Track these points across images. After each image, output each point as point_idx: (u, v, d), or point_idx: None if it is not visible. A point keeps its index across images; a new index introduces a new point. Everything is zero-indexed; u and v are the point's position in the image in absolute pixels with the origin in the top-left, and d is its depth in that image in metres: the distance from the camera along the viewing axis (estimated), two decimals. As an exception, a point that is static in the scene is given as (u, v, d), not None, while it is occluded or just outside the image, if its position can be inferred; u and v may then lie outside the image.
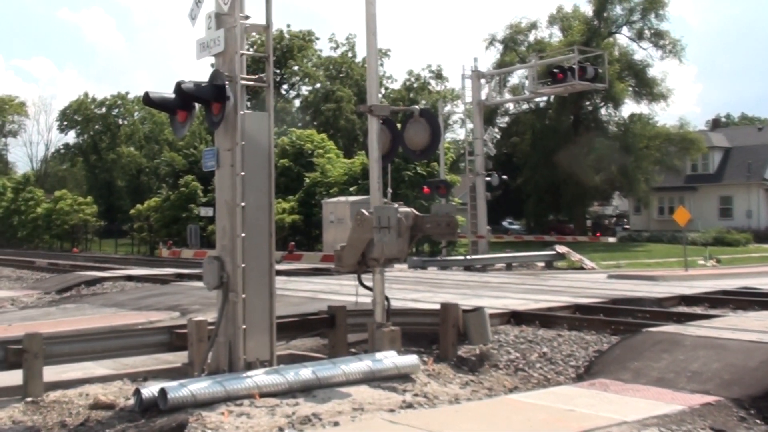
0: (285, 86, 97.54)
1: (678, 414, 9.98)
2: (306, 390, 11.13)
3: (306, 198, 57.29)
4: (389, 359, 12.41)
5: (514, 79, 75.39)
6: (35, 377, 11.52)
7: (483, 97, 43.29)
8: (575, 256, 39.81)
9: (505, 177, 41.68)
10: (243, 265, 11.47)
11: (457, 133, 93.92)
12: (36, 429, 10.32)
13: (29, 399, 11.31)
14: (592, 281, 28.51)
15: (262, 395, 10.70)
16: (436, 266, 36.93)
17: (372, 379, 11.90)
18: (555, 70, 39.19)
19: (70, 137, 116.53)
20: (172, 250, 57.37)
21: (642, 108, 74.30)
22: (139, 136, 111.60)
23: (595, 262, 39.83)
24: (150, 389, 10.47)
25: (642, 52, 73.92)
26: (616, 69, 66.16)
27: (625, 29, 75.68)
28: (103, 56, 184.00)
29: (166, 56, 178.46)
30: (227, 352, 11.59)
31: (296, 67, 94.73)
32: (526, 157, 75.92)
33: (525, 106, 77.98)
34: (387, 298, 13.96)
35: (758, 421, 10.16)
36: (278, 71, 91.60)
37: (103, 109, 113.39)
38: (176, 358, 13.53)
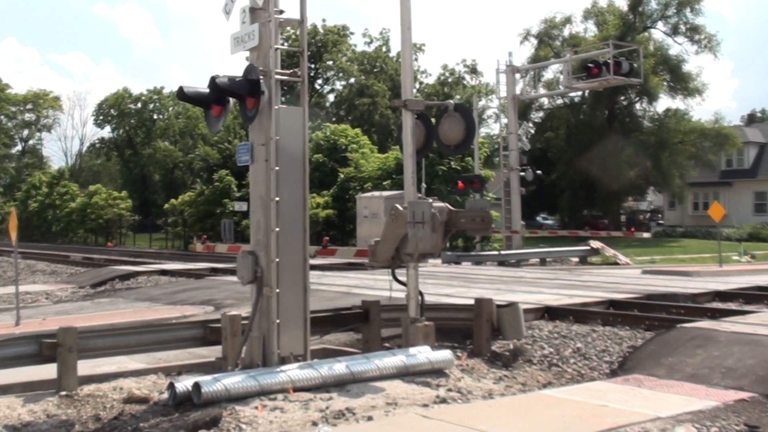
0: (319, 81, 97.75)
1: (712, 410, 9.93)
2: (340, 384, 11.16)
3: (340, 193, 57.35)
4: (423, 354, 12.42)
5: (548, 74, 75.12)
6: (69, 371, 11.60)
7: (517, 91, 43.16)
8: (609, 252, 39.61)
9: (539, 172, 41.58)
10: (277, 260, 11.51)
11: (491, 128, 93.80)
12: (70, 422, 10.39)
13: (63, 393, 11.40)
14: (626, 276, 28.35)
15: (296, 390, 10.73)
16: (470, 261, 36.88)
17: (405, 374, 11.92)
18: (590, 65, 39.06)
19: (105, 132, 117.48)
20: (206, 244, 57.58)
21: (677, 103, 73.80)
22: (173, 131, 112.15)
23: (629, 258, 39.61)
24: (184, 383, 10.53)
25: (677, 46, 73.43)
26: (651, 64, 65.67)
27: (660, 24, 75.15)
28: (139, 51, 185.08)
29: (202, 51, 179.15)
30: (261, 346, 11.63)
31: (330, 62, 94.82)
32: (560, 152, 75.53)
33: (559, 101, 77.59)
34: (421, 293, 13.97)
35: (793, 418, 10.09)
36: (313, 66, 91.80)
37: (139, 104, 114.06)
38: (210, 353, 13.58)
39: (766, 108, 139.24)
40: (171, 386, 10.62)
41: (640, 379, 11.74)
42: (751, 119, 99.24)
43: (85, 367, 12.19)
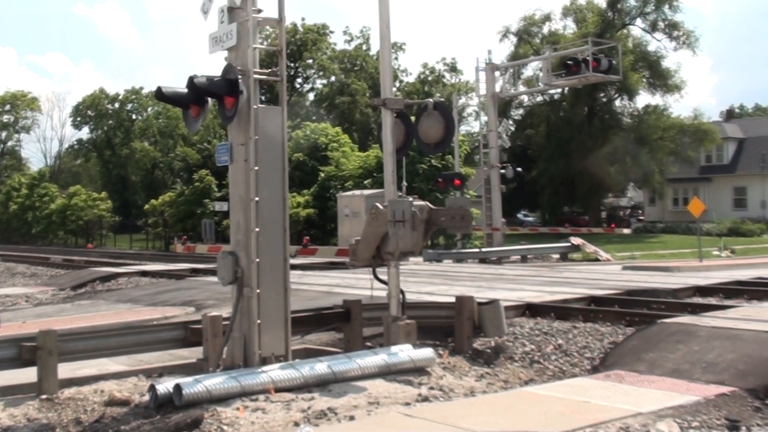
0: (299, 80, 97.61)
1: (693, 405, 9.96)
2: (321, 384, 11.14)
3: (321, 192, 57.27)
4: (405, 353, 12.42)
5: (528, 72, 75.46)
6: (50, 374, 11.52)
7: (497, 89, 43.14)
8: (590, 248, 39.70)
9: (519, 169, 41.59)
10: (257, 260, 11.49)
11: (471, 125, 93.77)
12: (51, 426, 10.33)
13: (44, 396, 11.31)
14: (606, 273, 28.43)
15: (278, 390, 10.71)
16: (452, 259, 36.89)
17: (387, 372, 11.92)
18: (569, 62, 39.08)
19: (84, 133, 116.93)
20: (186, 245, 57.46)
21: (656, 99, 74.18)
22: (153, 131, 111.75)
23: (609, 254, 39.69)
24: (165, 385, 10.49)
25: (656, 43, 73.84)
26: (630, 60, 65.94)
27: (638, 20, 75.47)
28: (118, 51, 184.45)
29: (182, 51, 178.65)
30: (242, 347, 11.61)
31: (310, 60, 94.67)
32: (540, 149, 75.77)
33: (539, 99, 77.84)
34: (402, 292, 13.98)
35: (773, 412, 10.13)
36: (292, 65, 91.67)
37: (117, 105, 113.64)
38: (191, 354, 13.53)
39: (745, 104, 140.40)
40: (152, 388, 10.57)
41: (622, 375, 11.76)
42: (730, 115, 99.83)
43: (66, 370, 12.12)
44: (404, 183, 14.66)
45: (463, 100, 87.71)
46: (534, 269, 31.97)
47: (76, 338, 12.65)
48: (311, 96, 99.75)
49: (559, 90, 70.22)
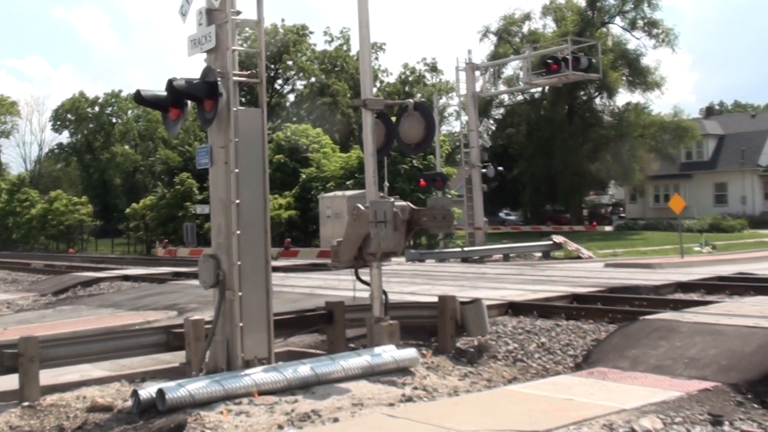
0: (279, 81, 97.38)
1: (676, 400, 9.98)
2: (305, 387, 11.12)
3: (302, 193, 57.18)
4: (388, 353, 12.41)
5: (508, 71, 75.56)
6: (31, 381, 11.45)
7: (477, 89, 43.21)
8: (572, 246, 39.80)
9: (501, 168, 41.70)
10: (239, 263, 11.46)
11: (452, 125, 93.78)
12: (33, 433, 10.29)
13: (26, 403, 11.24)
14: (589, 270, 28.51)
15: (261, 393, 10.68)
16: (434, 259, 36.92)
17: (371, 373, 11.91)
18: (549, 61, 39.21)
19: (64, 137, 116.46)
20: (168, 248, 57.23)
21: (636, 97, 74.55)
22: (133, 134, 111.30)
23: (591, 251, 39.82)
24: (148, 390, 10.45)
25: (635, 41, 74.20)
26: (610, 59, 66.19)
27: (618, 19, 75.80)
28: (98, 55, 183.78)
29: (162, 53, 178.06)
30: (225, 350, 11.58)
31: (291, 62, 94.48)
32: (521, 148, 75.91)
33: (520, 98, 78.02)
34: (385, 293, 13.97)
35: (755, 406, 10.16)
36: (273, 66, 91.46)
37: (97, 108, 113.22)
38: (174, 358, 13.50)
39: (725, 100, 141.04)
40: (135, 393, 10.52)
41: (605, 372, 11.78)
42: (710, 112, 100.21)
43: (48, 376, 12.06)
44: (386, 183, 14.60)
45: (443, 100, 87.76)
46: (516, 268, 32.02)
47: (58, 344, 12.58)
48: (292, 97, 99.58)
49: (539, 89, 70.38)
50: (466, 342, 15.25)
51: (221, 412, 9.93)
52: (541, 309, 17.58)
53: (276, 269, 22.90)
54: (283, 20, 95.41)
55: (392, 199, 13.39)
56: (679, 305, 17.09)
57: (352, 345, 14.73)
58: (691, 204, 57.36)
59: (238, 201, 11.46)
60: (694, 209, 62.80)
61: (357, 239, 13.62)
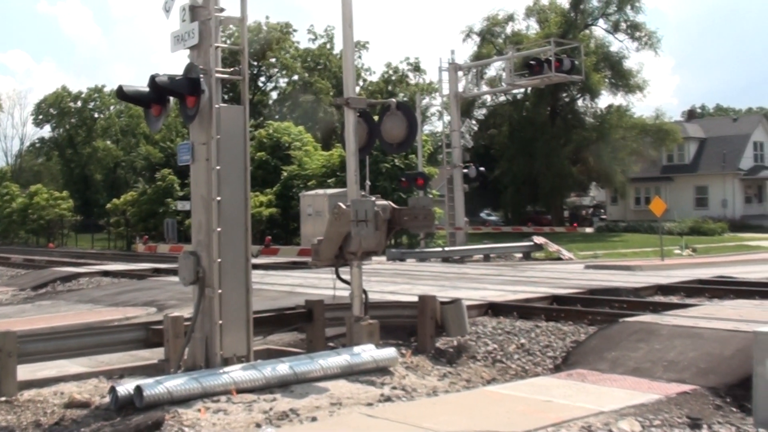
0: (262, 78, 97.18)
1: (655, 403, 10.00)
2: (283, 385, 11.10)
3: (283, 191, 57.07)
4: (367, 353, 12.40)
5: (491, 72, 75.51)
6: (9, 376, 11.40)
7: (460, 89, 43.29)
8: (553, 247, 39.88)
9: (482, 169, 41.80)
10: (219, 260, 11.44)
11: (434, 125, 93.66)
12: (10, 429, 10.21)
13: (3, 399, 11.19)
14: (569, 272, 28.56)
15: (239, 391, 10.66)
16: (415, 258, 36.94)
17: (350, 373, 11.89)
18: (532, 63, 39.27)
19: (46, 131, 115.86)
20: (148, 245, 57.05)
21: (618, 99, 74.62)
22: (115, 130, 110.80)
23: (572, 253, 39.90)
24: (126, 387, 10.41)
25: (618, 43, 74.30)
26: (593, 61, 66.38)
27: (601, 21, 75.95)
28: (81, 49, 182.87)
29: (145, 49, 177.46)
30: (204, 348, 11.55)
31: (274, 59, 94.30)
32: (503, 148, 75.95)
33: (502, 98, 77.99)
34: (365, 292, 13.96)
35: (734, 409, 10.21)
36: (256, 63, 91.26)
37: (79, 103, 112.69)
38: (153, 355, 13.43)
39: (707, 104, 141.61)
40: (113, 390, 10.48)
41: (584, 374, 11.80)
42: (691, 115, 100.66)
43: (25, 371, 12.00)
44: (367, 182, 14.61)
45: (426, 100, 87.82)
46: (496, 268, 32.05)
47: (36, 339, 12.54)
48: (274, 95, 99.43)
49: (522, 90, 70.48)
50: (446, 342, 15.26)
51: (199, 410, 9.90)
52: (521, 310, 17.60)
53: (256, 267, 22.86)
54: (267, 18, 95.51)
55: (374, 198, 13.37)
56: (659, 308, 17.13)
57: (331, 344, 14.71)
58: (671, 207, 57.51)
59: (219, 198, 11.43)
60: (675, 212, 63.00)
61: (338, 238, 13.61)
